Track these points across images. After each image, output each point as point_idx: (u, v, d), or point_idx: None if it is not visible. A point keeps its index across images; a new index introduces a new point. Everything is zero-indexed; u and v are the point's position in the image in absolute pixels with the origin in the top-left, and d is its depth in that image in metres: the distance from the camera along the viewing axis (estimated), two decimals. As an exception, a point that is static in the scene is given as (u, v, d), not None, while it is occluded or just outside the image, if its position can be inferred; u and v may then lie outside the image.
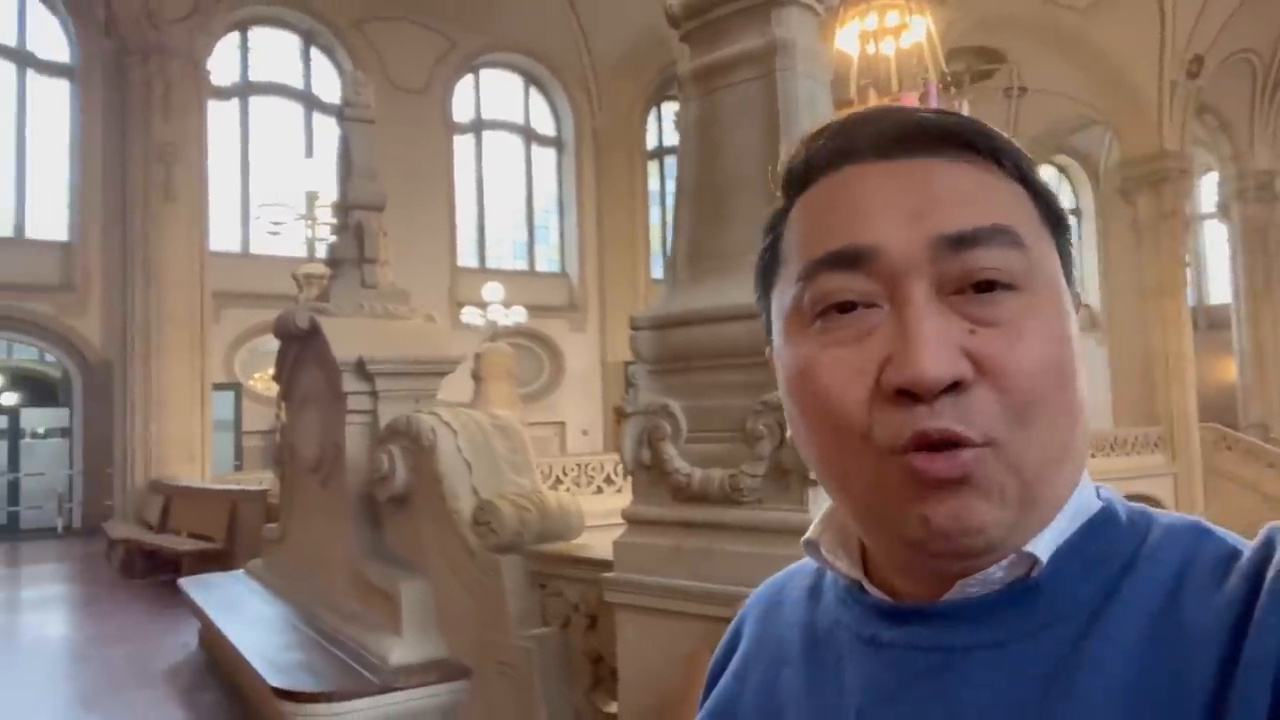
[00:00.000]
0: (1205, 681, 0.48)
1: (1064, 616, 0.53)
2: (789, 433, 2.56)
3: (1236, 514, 17.39)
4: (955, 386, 0.52)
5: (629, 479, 3.39)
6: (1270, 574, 0.49)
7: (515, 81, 19.38)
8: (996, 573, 0.54)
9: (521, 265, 19.45)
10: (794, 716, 0.63)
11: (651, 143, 20.67)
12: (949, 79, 8.21)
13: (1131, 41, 18.02)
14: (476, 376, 13.32)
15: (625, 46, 18.63)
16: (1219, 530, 0.56)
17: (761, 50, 3.11)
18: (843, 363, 0.55)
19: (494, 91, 19.17)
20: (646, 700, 3.19)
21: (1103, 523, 0.57)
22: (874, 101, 7.41)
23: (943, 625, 0.56)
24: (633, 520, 3.28)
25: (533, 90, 19.61)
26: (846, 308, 0.55)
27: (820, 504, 2.79)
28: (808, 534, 0.66)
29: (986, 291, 0.53)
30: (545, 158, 19.82)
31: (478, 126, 18.93)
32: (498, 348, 14.04)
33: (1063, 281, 0.57)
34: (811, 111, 3.12)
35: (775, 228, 0.63)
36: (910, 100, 7.32)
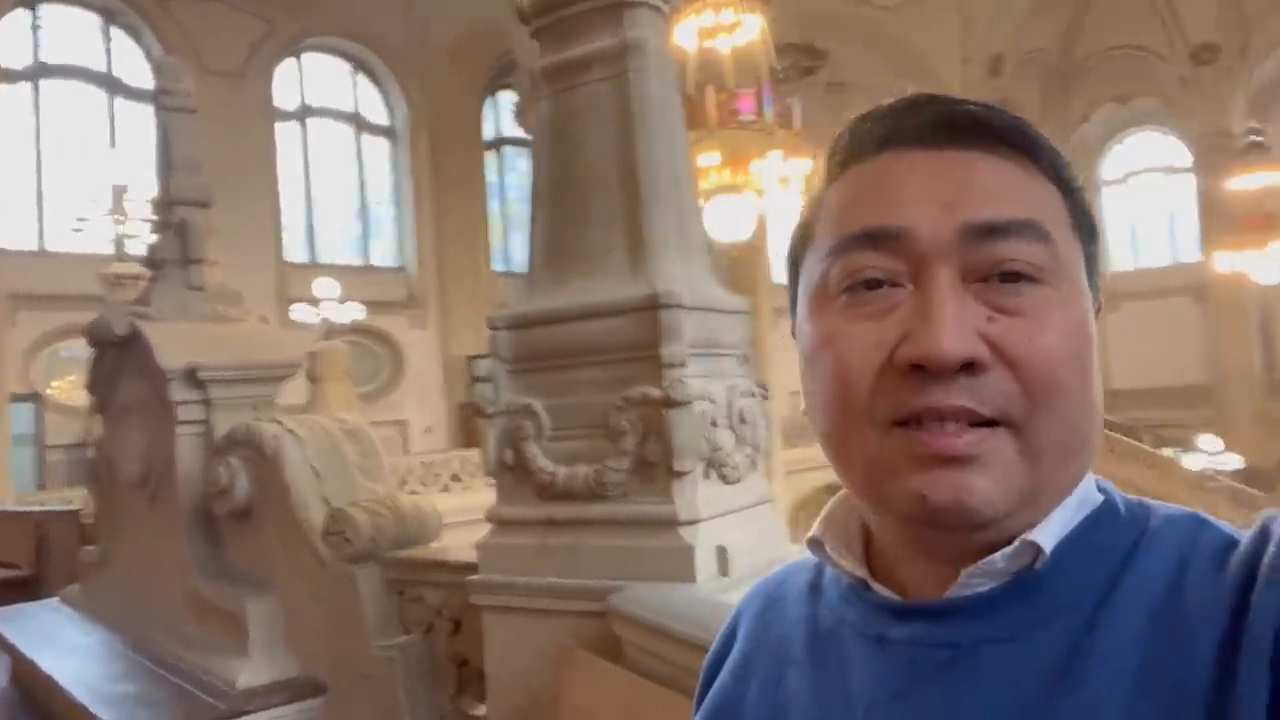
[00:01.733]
0: (1207, 666, 0.49)
1: (1069, 608, 0.54)
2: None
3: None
4: (971, 368, 0.53)
5: (478, 477, 3.36)
6: (1266, 559, 0.50)
7: (342, 67, 18.59)
8: (999, 562, 0.55)
9: (356, 260, 18.72)
10: (800, 716, 0.63)
11: (488, 133, 20.35)
12: (781, 76, 8.53)
13: (938, 40, 19.32)
14: (312, 377, 12.73)
15: (457, 34, 18.23)
16: (1216, 520, 0.57)
17: (614, 50, 3.14)
18: (862, 336, 0.56)
19: (319, 77, 18.30)
20: (517, 700, 3.18)
21: (1104, 514, 0.58)
22: (711, 99, 7.61)
23: (949, 622, 0.56)
24: (497, 521, 3.26)
25: (361, 77, 18.87)
26: (873, 285, 0.57)
27: (683, 495, 2.88)
28: (812, 531, 0.66)
29: (1011, 282, 0.55)
30: (377, 147, 19.13)
31: (303, 114, 18.03)
32: (333, 346, 13.48)
33: (1085, 281, 0.59)
34: (664, 112, 3.19)
35: (812, 207, 0.65)
36: (747, 97, 7.57)
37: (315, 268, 17.22)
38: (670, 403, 2.84)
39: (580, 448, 3.05)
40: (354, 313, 15.16)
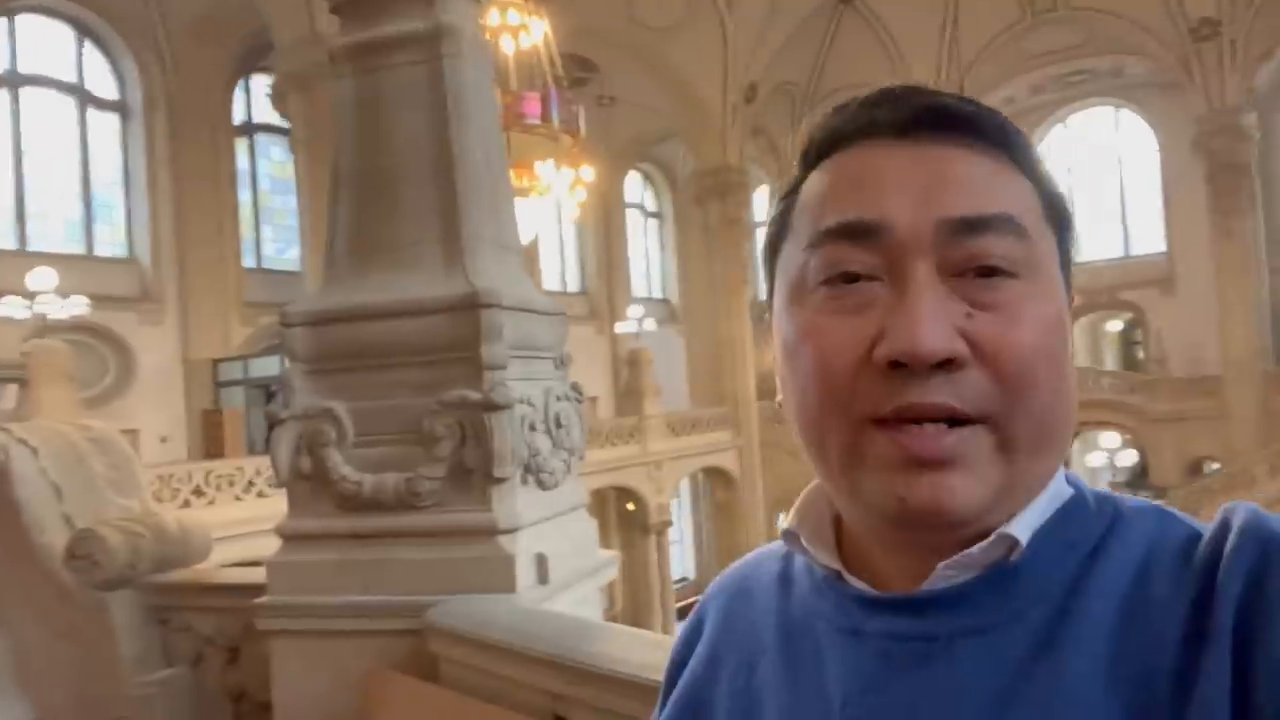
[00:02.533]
0: (1174, 653, 0.50)
1: (1041, 599, 0.55)
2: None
3: (784, 479, 20.49)
4: (949, 365, 0.53)
5: (225, 490, 3.07)
6: (1227, 549, 0.52)
7: (64, 32, 16.39)
8: (975, 555, 0.55)
9: (78, 248, 16.55)
10: (774, 708, 0.62)
11: (240, 117, 18.74)
12: (565, 83, 8.56)
13: (701, 65, 20.26)
14: (21, 379, 11.12)
15: (203, 7, 16.69)
16: (1179, 514, 0.59)
17: (428, 33, 2.97)
18: (839, 330, 0.55)
19: (35, 42, 16.03)
20: (311, 731, 2.92)
21: (1075, 507, 0.59)
22: (498, 99, 7.48)
23: (924, 614, 0.56)
24: (290, 536, 2.97)
25: (89, 45, 16.74)
26: (850, 279, 0.56)
27: (503, 502, 2.77)
28: (785, 523, 0.65)
29: (987, 277, 0.55)
30: (106, 125, 17.01)
31: (13, 81, 15.71)
32: (49, 345, 11.83)
33: (1060, 276, 0.59)
34: (480, 102, 3.06)
35: (788, 196, 0.63)
36: (533, 100, 7.51)
37: (26, 256, 15.05)
38: (491, 406, 2.72)
39: (390, 454, 2.84)
40: (77, 307, 13.41)
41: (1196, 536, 0.55)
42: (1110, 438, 22.11)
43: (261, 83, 18.33)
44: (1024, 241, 0.56)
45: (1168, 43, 19.95)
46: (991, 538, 0.54)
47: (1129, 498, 0.61)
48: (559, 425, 3.06)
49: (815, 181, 0.61)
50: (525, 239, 8.65)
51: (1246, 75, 19.81)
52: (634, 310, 22.13)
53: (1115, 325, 26.58)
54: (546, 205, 9.62)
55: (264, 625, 2.95)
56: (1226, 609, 0.49)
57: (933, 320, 0.52)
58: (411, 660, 2.67)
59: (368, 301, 2.88)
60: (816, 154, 0.62)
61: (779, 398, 0.62)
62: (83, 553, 3.37)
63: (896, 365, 0.53)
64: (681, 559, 23.47)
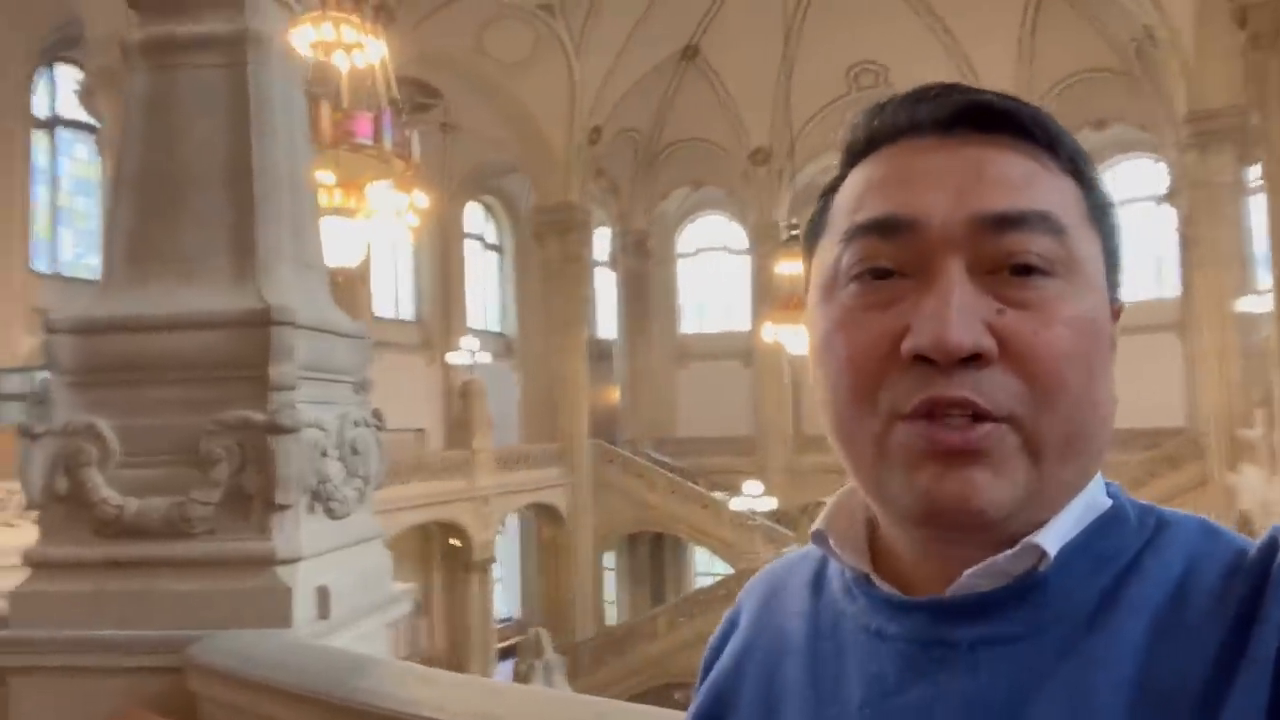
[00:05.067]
0: (1206, 677, 0.48)
1: (1070, 613, 0.53)
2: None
3: (615, 515, 20.61)
4: (976, 360, 0.52)
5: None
6: (1274, 573, 0.50)
7: None
8: (1002, 563, 0.54)
9: None
10: (795, 707, 0.61)
11: (41, 110, 17.23)
12: (400, 105, 8.40)
13: (547, 103, 20.42)
14: None
15: (6, -12, 15.35)
16: (1225, 530, 0.57)
17: (232, 36, 2.85)
18: (868, 325, 0.55)
19: None
20: (48, 782, 2.63)
21: (1112, 520, 0.57)
22: (326, 115, 7.24)
23: (948, 619, 0.55)
24: (40, 564, 2.70)
25: None
26: (882, 274, 0.56)
27: (284, 531, 2.63)
28: (816, 524, 0.64)
29: (1021, 275, 0.54)
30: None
31: None
32: None
33: (1102, 279, 0.58)
34: (287, 115, 2.95)
35: (827, 194, 0.63)
36: (364, 121, 7.33)
37: None
38: (276, 428, 2.59)
39: (157, 476, 2.65)
40: None
41: (1241, 553, 0.53)
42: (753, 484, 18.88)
43: (69, 74, 16.98)
44: (1061, 240, 0.55)
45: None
46: (1019, 547, 0.53)
47: (1174, 511, 0.59)
48: (355, 452, 2.95)
49: (854, 178, 0.61)
50: (353, 260, 8.38)
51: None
52: (468, 342, 21.78)
53: None
54: (380, 228, 9.36)
55: (3, 661, 2.65)
56: (1270, 635, 0.48)
57: (961, 315, 0.52)
58: (168, 700, 2.47)
59: (144, 312, 2.69)
60: (860, 151, 0.61)
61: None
62: None
63: (923, 359, 0.52)
64: (507, 598, 23.03)
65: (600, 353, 25.83)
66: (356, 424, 2.99)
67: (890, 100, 0.61)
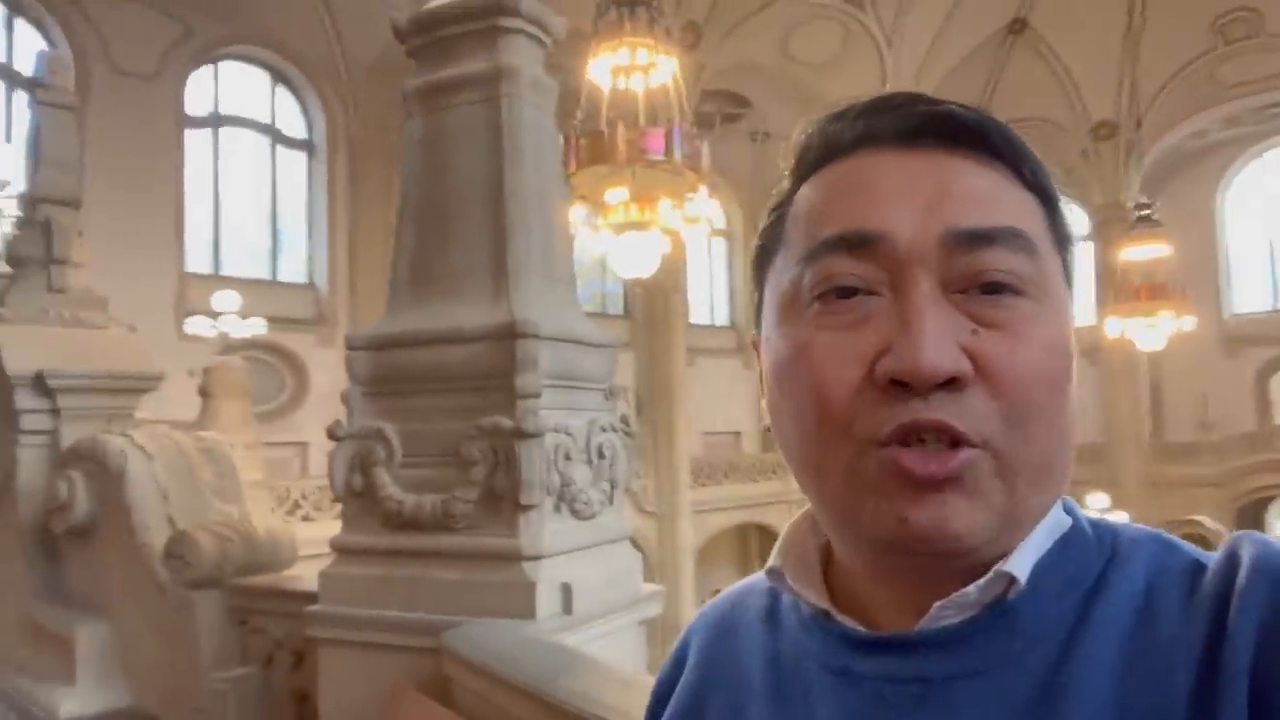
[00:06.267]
0: (1185, 694, 0.47)
1: (1042, 640, 0.52)
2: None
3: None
4: (952, 383, 0.50)
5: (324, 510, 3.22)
6: (1239, 585, 0.49)
7: (260, 77, 18.13)
8: (973, 594, 0.52)
9: (263, 274, 18.16)
10: None
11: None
12: (694, 121, 8.65)
13: (861, 96, 19.92)
14: (205, 393, 12.23)
15: (380, 48, 17.99)
16: (1181, 542, 0.55)
17: (487, 74, 3.10)
18: (836, 348, 0.53)
19: (236, 86, 17.79)
20: (351, 739, 3.03)
21: (1073, 539, 0.56)
22: (621, 135, 7.65)
23: (919, 655, 0.53)
24: (341, 550, 3.12)
25: (280, 88, 18.44)
26: (847, 293, 0.53)
27: (529, 529, 2.80)
28: (770, 561, 0.62)
29: (992, 294, 0.52)
30: (293, 161, 18.66)
31: (215, 121, 17.50)
32: (229, 362, 12.99)
33: (1068, 300, 0.56)
34: (536, 140, 3.15)
35: (779, 208, 0.60)
36: (656, 136, 7.64)
37: (218, 279, 16.63)
38: (521, 434, 2.77)
39: (430, 476, 2.94)
40: (256, 327, 14.65)
41: (1200, 567, 0.52)
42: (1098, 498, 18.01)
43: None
44: (1033, 258, 0.53)
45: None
46: (989, 575, 0.52)
47: (1126, 524, 0.58)
48: (601, 456, 3.07)
49: (810, 192, 0.58)
50: (645, 271, 8.77)
51: None
52: (781, 346, 21.82)
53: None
54: (697, 238, 9.72)
55: (312, 632, 3.11)
56: (1242, 649, 0.46)
57: (937, 337, 0.50)
58: (433, 681, 2.74)
59: (419, 328, 3.01)
60: (813, 163, 0.59)
61: (765, 421, 0.60)
62: (176, 553, 3.66)
63: (897, 383, 0.50)
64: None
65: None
66: (604, 429, 3.11)
67: (847, 109, 0.58)
